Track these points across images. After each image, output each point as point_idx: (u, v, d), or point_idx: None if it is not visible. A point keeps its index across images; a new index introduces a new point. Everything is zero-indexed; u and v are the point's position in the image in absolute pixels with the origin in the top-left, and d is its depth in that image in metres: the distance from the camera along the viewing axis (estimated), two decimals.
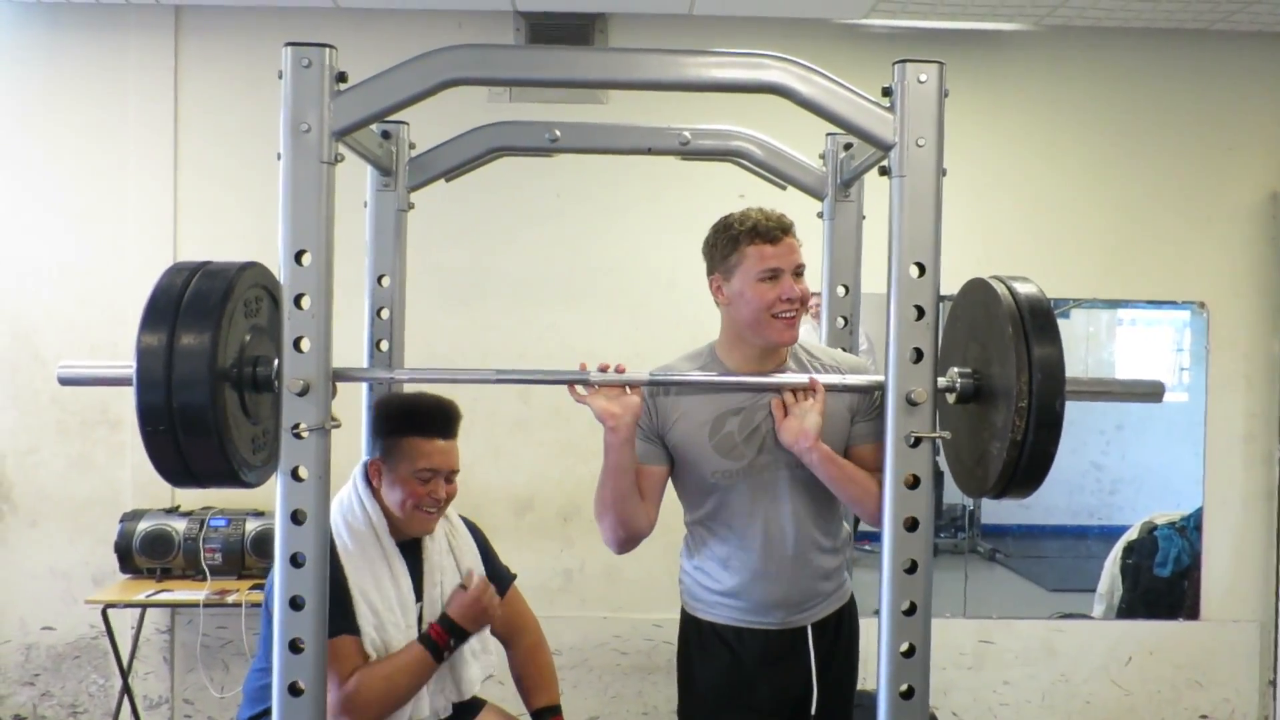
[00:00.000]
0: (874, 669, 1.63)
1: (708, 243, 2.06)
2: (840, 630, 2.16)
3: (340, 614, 2.00)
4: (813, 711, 2.10)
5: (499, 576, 2.37)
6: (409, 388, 2.38)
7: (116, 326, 3.66)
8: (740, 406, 2.03)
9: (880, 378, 1.63)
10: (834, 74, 1.59)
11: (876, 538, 1.70)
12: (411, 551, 2.20)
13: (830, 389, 1.92)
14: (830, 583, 2.12)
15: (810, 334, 3.74)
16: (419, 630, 2.14)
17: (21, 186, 3.73)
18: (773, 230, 1.96)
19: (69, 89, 3.72)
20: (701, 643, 2.14)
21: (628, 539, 2.05)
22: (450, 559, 2.26)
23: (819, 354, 2.13)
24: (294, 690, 1.56)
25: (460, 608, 2.14)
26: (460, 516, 2.35)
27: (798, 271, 1.99)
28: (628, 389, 1.91)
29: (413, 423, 2.16)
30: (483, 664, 2.26)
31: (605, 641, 3.69)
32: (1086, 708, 3.91)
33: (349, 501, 2.17)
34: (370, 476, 2.18)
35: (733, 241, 1.99)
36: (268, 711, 2.11)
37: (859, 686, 2.38)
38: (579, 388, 1.87)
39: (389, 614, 2.10)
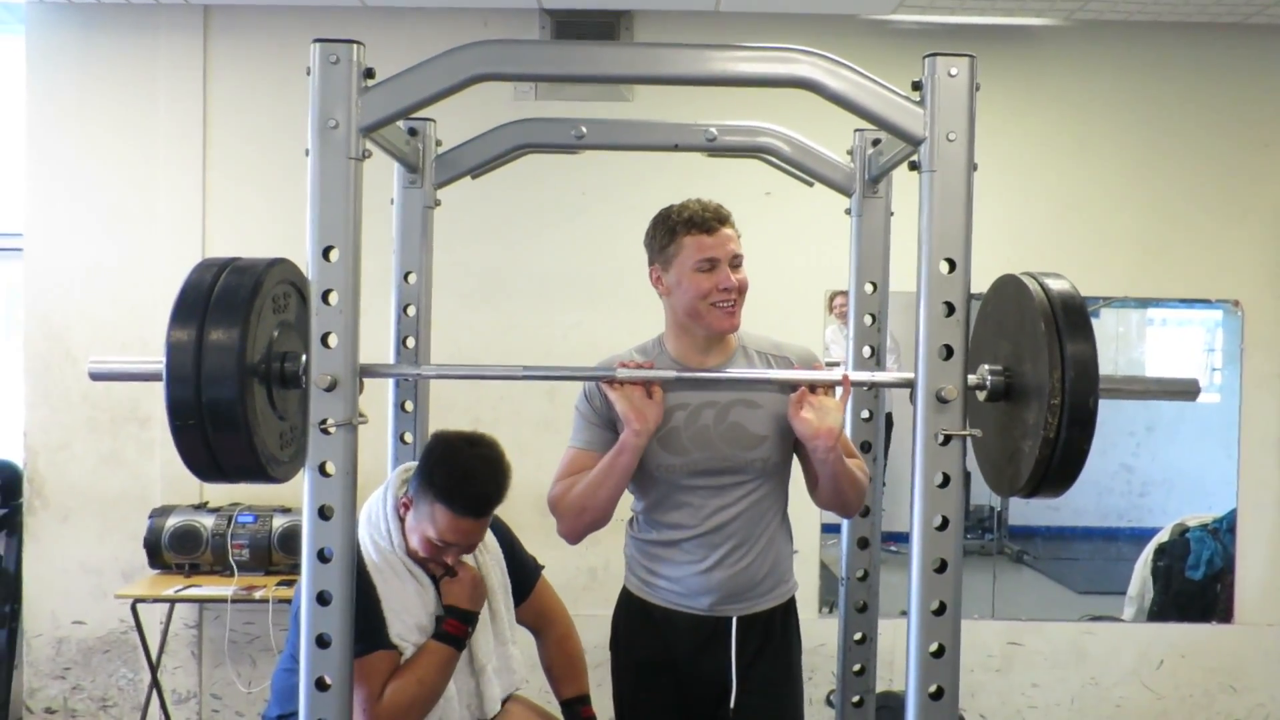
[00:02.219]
0: (902, 669, 1.61)
1: (647, 234, 2.08)
2: (771, 629, 2.13)
3: (374, 630, 2.01)
4: (731, 704, 2.09)
5: (526, 569, 2.38)
6: (436, 385, 2.38)
7: (146, 325, 3.69)
8: (686, 403, 2.04)
9: (910, 375, 1.61)
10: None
11: (903, 539, 1.68)
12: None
13: (858, 384, 1.90)
14: (767, 581, 2.11)
15: (836, 335, 3.74)
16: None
17: (54, 186, 3.77)
18: (709, 221, 1.98)
19: (100, 89, 3.76)
20: (632, 619, 2.16)
21: (589, 532, 2.05)
22: (471, 559, 2.25)
23: (765, 346, 2.13)
24: (320, 685, 1.57)
25: (462, 592, 2.12)
26: None
27: (734, 262, 2.00)
28: (649, 393, 1.91)
29: (449, 493, 2.06)
30: (504, 683, 2.25)
31: None
32: (1117, 712, 3.86)
33: (377, 519, 2.16)
34: (399, 507, 2.17)
35: (670, 232, 2.01)
36: (296, 713, 2.13)
37: (885, 688, 2.35)
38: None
39: (419, 629, 2.10)
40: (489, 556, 2.28)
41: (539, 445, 3.76)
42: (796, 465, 2.14)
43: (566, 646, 2.39)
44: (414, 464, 2.20)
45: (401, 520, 2.15)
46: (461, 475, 2.07)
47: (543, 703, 2.45)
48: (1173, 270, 3.86)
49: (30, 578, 3.78)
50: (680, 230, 1.99)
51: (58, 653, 3.80)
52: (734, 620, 2.08)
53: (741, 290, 2.01)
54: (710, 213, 1.99)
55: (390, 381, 2.33)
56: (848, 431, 2.25)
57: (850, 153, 2.28)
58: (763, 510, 2.08)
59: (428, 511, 2.09)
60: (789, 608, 2.17)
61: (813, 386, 1.92)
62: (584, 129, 2.23)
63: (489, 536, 2.30)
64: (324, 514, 1.56)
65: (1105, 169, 3.83)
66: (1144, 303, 4.06)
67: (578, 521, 2.03)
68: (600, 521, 2.03)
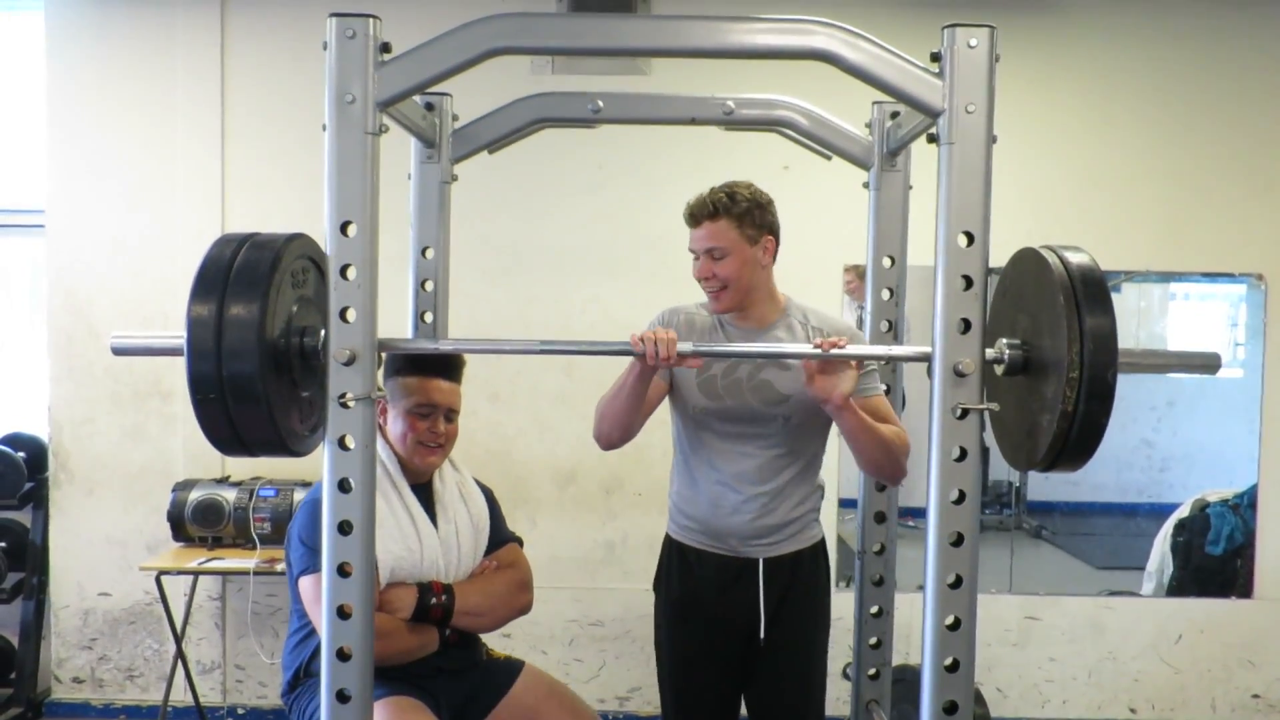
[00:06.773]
0: (919, 643, 1.62)
1: None
2: (798, 570, 2.25)
3: None
4: (761, 640, 2.23)
5: (499, 530, 2.43)
6: None
7: (168, 299, 3.72)
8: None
9: (927, 349, 1.61)
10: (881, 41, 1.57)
11: (920, 514, 1.68)
12: (423, 493, 2.28)
13: (873, 359, 1.92)
14: (791, 526, 2.23)
15: (848, 313, 3.72)
16: (438, 558, 2.24)
17: (75, 162, 3.79)
18: (690, 216, 2.15)
19: (119, 65, 3.77)
20: (670, 560, 2.34)
21: (616, 443, 2.22)
22: (462, 504, 2.34)
23: (814, 319, 2.24)
24: (341, 655, 1.59)
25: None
26: (474, 479, 2.43)
27: (714, 254, 2.12)
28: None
29: (413, 363, 2.25)
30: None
31: (647, 613, 3.62)
32: (1135, 685, 3.87)
33: None
34: (379, 415, 2.23)
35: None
36: (297, 674, 2.18)
37: (901, 661, 2.36)
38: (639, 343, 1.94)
39: (396, 531, 2.18)
40: (470, 490, 2.38)
41: (556, 420, 3.80)
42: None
43: (516, 595, 2.38)
44: None
45: (384, 430, 2.24)
46: (415, 354, 2.28)
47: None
48: (1195, 244, 3.81)
49: (57, 550, 3.84)
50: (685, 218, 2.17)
51: (84, 624, 3.86)
52: (760, 561, 2.21)
53: (725, 281, 2.12)
54: (692, 207, 2.14)
55: None
56: None
57: (869, 126, 2.26)
58: (785, 463, 2.21)
59: (400, 391, 2.23)
60: (818, 550, 2.29)
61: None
62: (601, 103, 2.23)
63: (473, 484, 2.40)
64: (344, 487, 1.57)
65: (1127, 141, 3.79)
66: (1166, 277, 4.02)
67: (599, 425, 2.21)
68: (615, 432, 2.18)
